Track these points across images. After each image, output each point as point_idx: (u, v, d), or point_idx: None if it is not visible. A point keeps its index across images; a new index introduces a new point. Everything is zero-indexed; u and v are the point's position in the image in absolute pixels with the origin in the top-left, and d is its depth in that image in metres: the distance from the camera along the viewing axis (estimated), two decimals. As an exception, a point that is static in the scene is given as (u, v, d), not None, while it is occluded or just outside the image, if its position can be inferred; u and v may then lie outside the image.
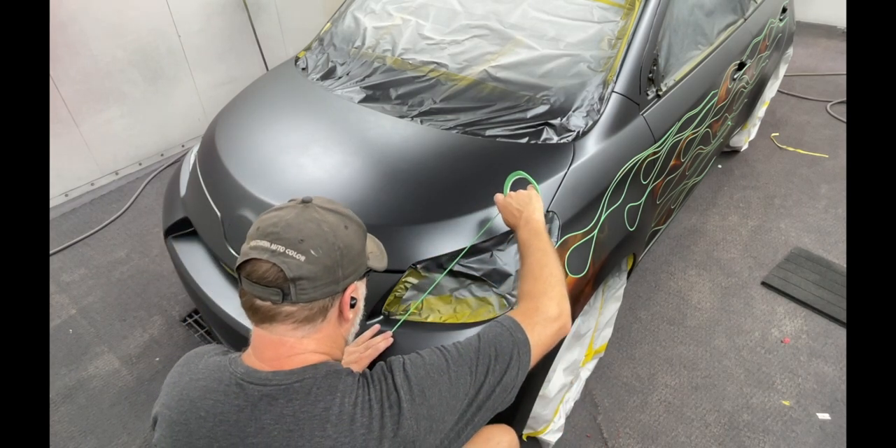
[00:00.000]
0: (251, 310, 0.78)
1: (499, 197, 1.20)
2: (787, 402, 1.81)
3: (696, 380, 1.88)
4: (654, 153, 1.61)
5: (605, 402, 1.81)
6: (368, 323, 1.21)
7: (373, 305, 1.21)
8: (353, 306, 0.83)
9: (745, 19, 2.24)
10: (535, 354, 0.91)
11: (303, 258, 0.74)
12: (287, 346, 0.78)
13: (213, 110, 3.15)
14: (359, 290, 0.85)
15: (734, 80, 2.13)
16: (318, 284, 0.76)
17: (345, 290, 0.81)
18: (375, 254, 0.91)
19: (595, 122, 1.47)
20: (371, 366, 0.86)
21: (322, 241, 0.76)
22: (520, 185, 1.28)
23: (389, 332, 1.16)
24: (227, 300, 1.41)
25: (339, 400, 0.74)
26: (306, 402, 0.74)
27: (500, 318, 0.94)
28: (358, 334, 1.08)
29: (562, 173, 1.37)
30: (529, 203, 1.14)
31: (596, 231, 1.35)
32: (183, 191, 1.68)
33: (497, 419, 0.99)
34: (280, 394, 0.75)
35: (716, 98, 1.98)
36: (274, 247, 0.74)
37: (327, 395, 0.75)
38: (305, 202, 0.81)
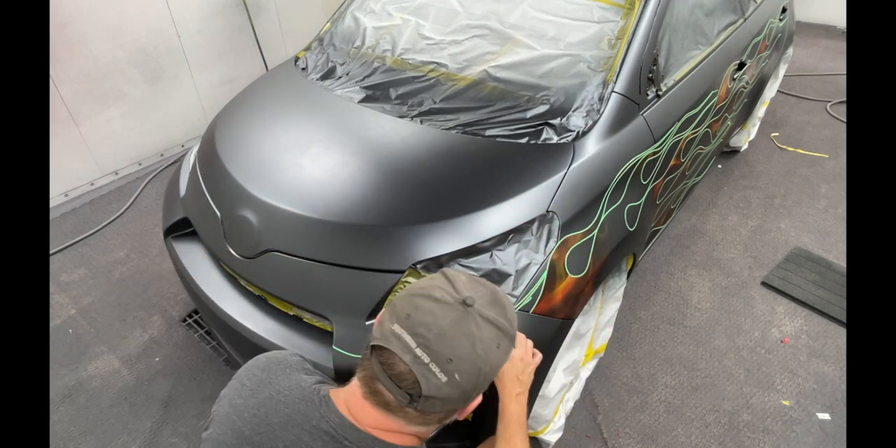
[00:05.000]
0: (370, 389, 0.75)
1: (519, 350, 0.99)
2: (787, 402, 1.81)
3: (696, 380, 1.88)
4: (654, 153, 1.61)
5: (605, 402, 1.81)
6: (368, 324, 1.21)
7: (373, 306, 1.21)
8: None
9: (745, 19, 2.24)
10: None
11: (444, 379, 0.69)
12: (388, 422, 0.76)
13: (213, 110, 3.15)
14: (478, 398, 0.79)
15: (734, 80, 2.13)
16: (448, 406, 0.73)
17: (467, 404, 0.77)
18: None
19: (595, 122, 1.47)
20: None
21: (470, 366, 0.71)
22: None
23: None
24: (227, 300, 1.41)
25: None
26: None
27: None
28: None
29: (562, 173, 1.37)
30: (531, 379, 1.02)
31: (596, 231, 1.35)
32: (183, 191, 1.68)
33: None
34: None
35: (716, 98, 1.98)
36: (419, 353, 0.69)
37: None
38: (467, 305, 0.73)
